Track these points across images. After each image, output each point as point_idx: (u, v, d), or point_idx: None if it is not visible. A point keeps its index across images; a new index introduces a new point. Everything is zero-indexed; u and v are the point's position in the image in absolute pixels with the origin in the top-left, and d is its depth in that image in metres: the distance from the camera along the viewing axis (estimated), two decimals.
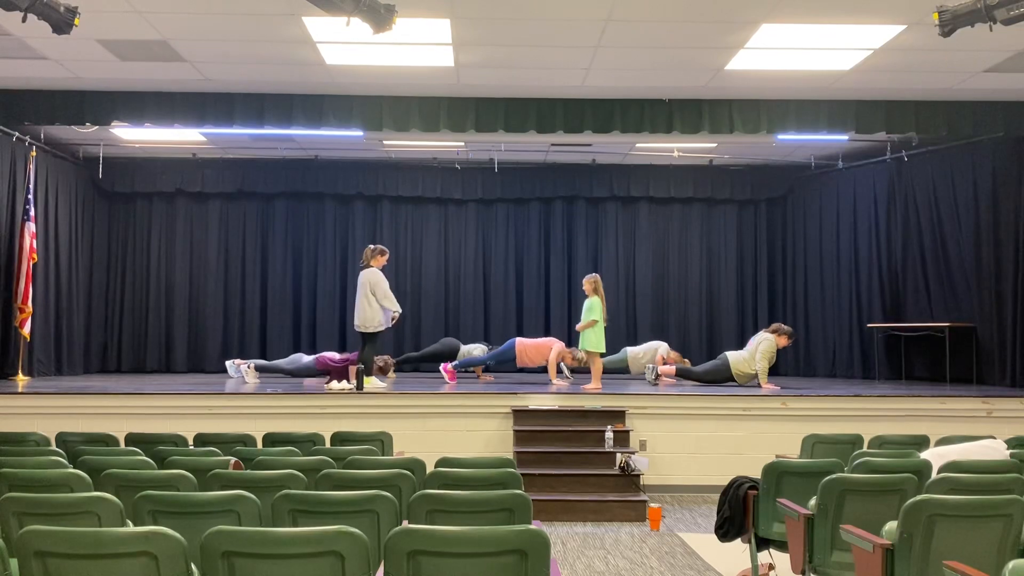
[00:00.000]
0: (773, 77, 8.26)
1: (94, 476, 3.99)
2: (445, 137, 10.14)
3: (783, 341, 9.54)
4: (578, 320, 9.27)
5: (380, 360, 9.81)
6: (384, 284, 9.15)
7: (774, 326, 9.74)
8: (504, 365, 10.21)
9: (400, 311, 9.40)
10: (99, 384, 9.54)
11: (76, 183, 11.46)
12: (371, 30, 5.58)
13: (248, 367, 10.32)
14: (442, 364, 10.05)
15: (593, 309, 8.84)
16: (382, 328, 9.23)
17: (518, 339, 10.15)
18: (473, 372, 10.58)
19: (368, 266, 9.23)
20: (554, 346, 9.87)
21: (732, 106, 8.85)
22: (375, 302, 9.10)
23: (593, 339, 8.86)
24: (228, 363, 10.82)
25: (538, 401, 8.26)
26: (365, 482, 3.98)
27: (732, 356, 9.79)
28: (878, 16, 6.82)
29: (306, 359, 10.75)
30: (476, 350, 10.62)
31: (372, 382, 8.82)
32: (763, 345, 9.45)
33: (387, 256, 9.47)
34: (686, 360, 10.93)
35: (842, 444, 5.71)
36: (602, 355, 9.03)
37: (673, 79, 8.35)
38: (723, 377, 9.74)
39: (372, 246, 9.41)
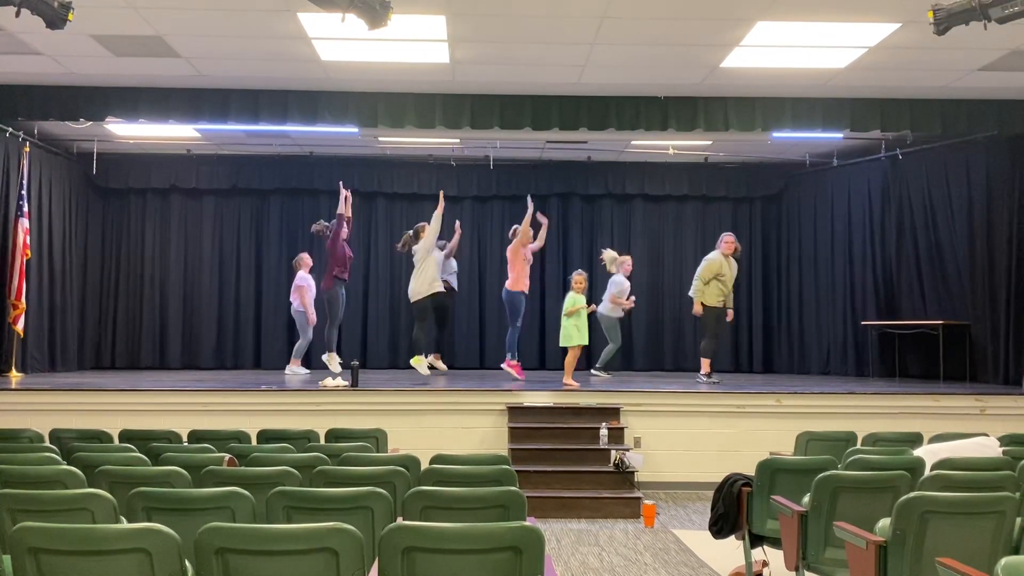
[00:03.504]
0: (768, 75, 8.27)
1: (88, 472, 3.98)
2: (441, 134, 10.14)
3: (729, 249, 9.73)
4: None
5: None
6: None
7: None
8: (519, 314, 9.78)
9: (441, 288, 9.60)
10: (93, 380, 9.54)
11: (70, 179, 11.43)
12: (366, 26, 5.55)
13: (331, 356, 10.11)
14: (504, 363, 9.76)
15: (576, 300, 8.86)
16: (421, 297, 9.40)
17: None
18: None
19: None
20: (511, 248, 9.69)
21: (727, 104, 8.85)
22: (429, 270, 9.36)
23: (576, 334, 8.84)
24: (325, 357, 10.13)
25: (533, 398, 8.27)
26: (359, 479, 3.98)
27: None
28: (873, 14, 6.82)
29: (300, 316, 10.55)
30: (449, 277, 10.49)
31: (421, 363, 8.95)
32: (701, 266, 9.77)
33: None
34: (626, 257, 10.84)
35: (836, 441, 5.72)
36: (583, 347, 9.00)
37: (669, 76, 8.35)
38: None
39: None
